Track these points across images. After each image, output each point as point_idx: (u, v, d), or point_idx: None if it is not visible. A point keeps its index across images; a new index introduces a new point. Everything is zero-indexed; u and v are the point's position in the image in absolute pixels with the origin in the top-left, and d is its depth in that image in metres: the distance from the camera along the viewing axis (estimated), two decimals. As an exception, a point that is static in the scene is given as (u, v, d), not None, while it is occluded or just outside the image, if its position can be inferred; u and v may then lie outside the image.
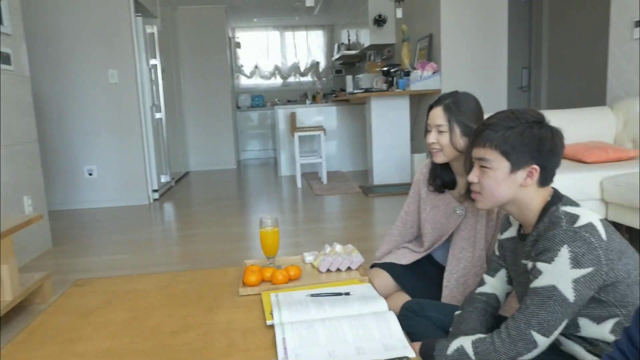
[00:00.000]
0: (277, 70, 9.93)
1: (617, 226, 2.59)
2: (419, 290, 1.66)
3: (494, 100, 4.84)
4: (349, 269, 1.57)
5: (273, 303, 1.25)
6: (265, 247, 1.56)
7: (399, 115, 5.22)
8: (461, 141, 1.50)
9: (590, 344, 1.11)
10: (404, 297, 1.64)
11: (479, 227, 1.57)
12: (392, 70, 5.50)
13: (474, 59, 4.92)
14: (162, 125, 5.49)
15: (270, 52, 9.87)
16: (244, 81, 9.87)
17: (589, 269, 1.02)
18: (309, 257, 1.65)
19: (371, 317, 1.15)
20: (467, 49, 4.90)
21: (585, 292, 1.04)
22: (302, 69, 10.01)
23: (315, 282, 1.47)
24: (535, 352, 1.07)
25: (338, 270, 1.56)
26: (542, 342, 1.05)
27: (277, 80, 9.99)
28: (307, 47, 10.00)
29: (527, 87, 6.25)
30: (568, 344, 1.15)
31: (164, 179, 5.45)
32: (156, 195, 5.17)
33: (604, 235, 1.06)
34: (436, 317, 1.42)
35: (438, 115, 1.54)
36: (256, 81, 9.92)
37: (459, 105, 1.53)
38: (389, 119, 5.20)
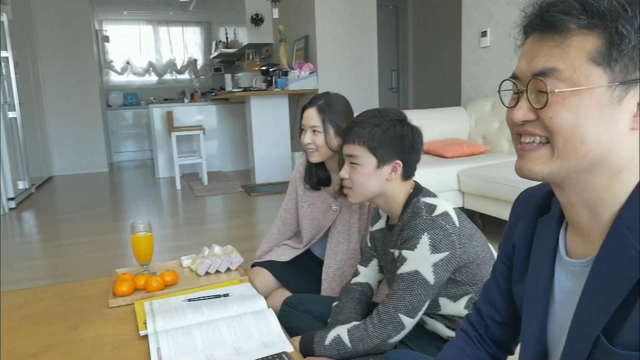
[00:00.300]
0: (151, 67, 9.42)
1: (472, 213, 2.91)
2: (300, 286, 1.70)
3: (366, 100, 5.13)
4: (228, 270, 1.55)
5: (147, 312, 1.19)
6: (138, 253, 1.48)
7: (279, 114, 5.28)
8: (335, 141, 1.57)
9: (449, 320, 1.24)
10: (285, 294, 1.66)
11: (352, 221, 1.65)
12: (270, 69, 5.54)
13: (348, 60, 5.16)
14: (17, 125, 4.90)
15: (144, 47, 9.32)
16: (115, 78, 9.19)
17: (446, 253, 1.14)
18: (186, 261, 1.60)
19: (250, 316, 1.16)
20: (341, 50, 5.12)
21: (443, 274, 1.15)
22: (178, 66, 9.62)
23: (194, 286, 1.43)
24: (403, 333, 1.16)
25: (217, 272, 1.54)
26: (409, 323, 1.15)
27: (152, 78, 9.47)
28: (184, 44, 9.63)
29: (396, 89, 6.72)
30: (431, 323, 1.26)
31: (21, 185, 4.88)
32: (12, 204, 4.61)
33: (457, 222, 1.18)
34: (316, 310, 1.47)
35: (312, 117, 1.59)
36: (129, 78, 9.30)
37: (331, 106, 1.59)
38: (269, 118, 5.23)
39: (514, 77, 0.63)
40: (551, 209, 0.72)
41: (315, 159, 1.62)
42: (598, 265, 0.59)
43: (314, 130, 1.58)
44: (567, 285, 0.66)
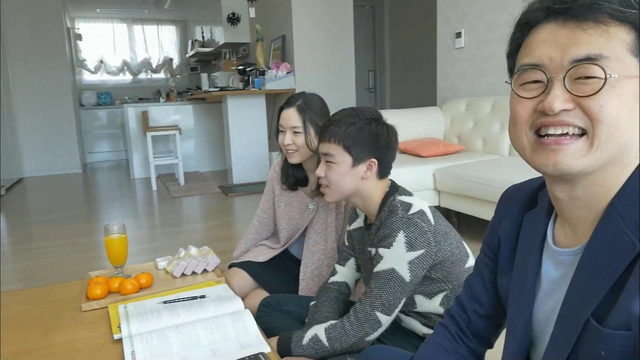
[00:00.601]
0: (125, 66, 9.26)
1: (448, 211, 2.95)
2: (277, 286, 1.69)
3: (344, 100, 5.15)
4: (205, 271, 1.54)
5: (121, 315, 1.18)
6: (111, 256, 1.46)
7: (256, 114, 5.25)
8: (315, 141, 1.56)
9: (424, 317, 1.25)
10: (263, 294, 1.65)
11: (329, 220, 1.65)
12: (247, 69, 5.51)
13: (325, 60, 5.17)
14: (-15, 126, 4.76)
15: (118, 46, 9.15)
16: (88, 77, 9.00)
17: (421, 251, 1.15)
18: (162, 263, 1.58)
19: (227, 317, 1.15)
20: (318, 50, 5.12)
21: (419, 271, 1.16)
22: (154, 65, 9.48)
23: (170, 288, 1.41)
24: (380, 331, 1.17)
25: (194, 273, 1.52)
26: (385, 320, 1.16)
27: (127, 77, 9.31)
28: (159, 43, 9.50)
29: (374, 89, 6.76)
30: (407, 320, 1.28)
31: (-10, 187, 4.74)
32: (-19, 207, 4.48)
33: (432, 220, 1.20)
34: (294, 310, 1.47)
35: (292, 117, 1.58)
36: (102, 77, 9.12)
37: (310, 106, 1.59)
38: (246, 117, 5.21)
39: (536, 65, 0.60)
40: (538, 203, 0.73)
41: (295, 159, 1.61)
42: (589, 251, 0.60)
43: (294, 131, 1.57)
44: (555, 275, 0.67)
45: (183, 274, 1.51)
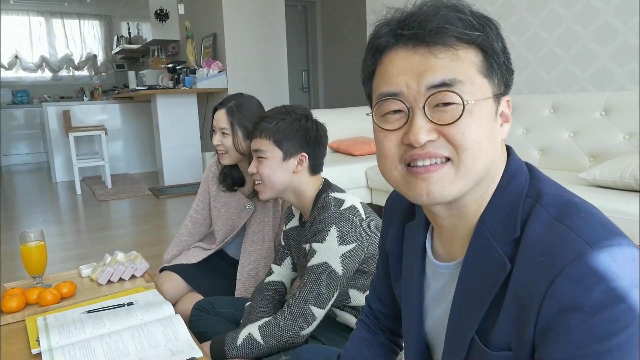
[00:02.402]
0: (44, 62, 8.66)
1: (380, 208, 3.02)
2: (212, 288, 1.66)
3: (277, 99, 5.13)
4: (133, 277, 1.48)
5: (40, 328, 1.10)
6: (29, 265, 1.36)
7: (187, 114, 5.11)
8: (244, 144, 1.55)
9: (359, 312, 1.28)
10: (197, 298, 1.62)
11: (267, 219, 1.64)
12: (177, 67, 5.34)
13: (258, 59, 5.12)
14: None
15: (35, 41, 8.54)
16: (2, 74, 8.33)
17: (353, 245, 1.18)
18: (86, 270, 1.50)
19: (156, 324, 1.11)
20: (250, 49, 5.07)
21: (351, 265, 1.19)
22: (76, 62, 8.94)
23: (95, 296, 1.35)
24: (314, 324, 1.18)
25: (121, 280, 1.46)
26: (319, 314, 1.17)
27: (46, 74, 8.71)
28: (82, 38, 8.97)
29: (307, 88, 6.80)
30: (342, 315, 1.30)
31: None
32: None
33: (364, 215, 1.23)
34: (228, 312, 1.45)
35: (221, 119, 1.56)
36: (18, 74, 8.47)
37: (242, 109, 1.57)
38: (177, 117, 5.05)
39: (395, 94, 0.57)
40: (416, 215, 0.73)
41: (226, 161, 1.60)
42: (465, 268, 0.60)
43: (223, 132, 1.56)
44: (437, 286, 0.68)
45: (109, 281, 1.44)
